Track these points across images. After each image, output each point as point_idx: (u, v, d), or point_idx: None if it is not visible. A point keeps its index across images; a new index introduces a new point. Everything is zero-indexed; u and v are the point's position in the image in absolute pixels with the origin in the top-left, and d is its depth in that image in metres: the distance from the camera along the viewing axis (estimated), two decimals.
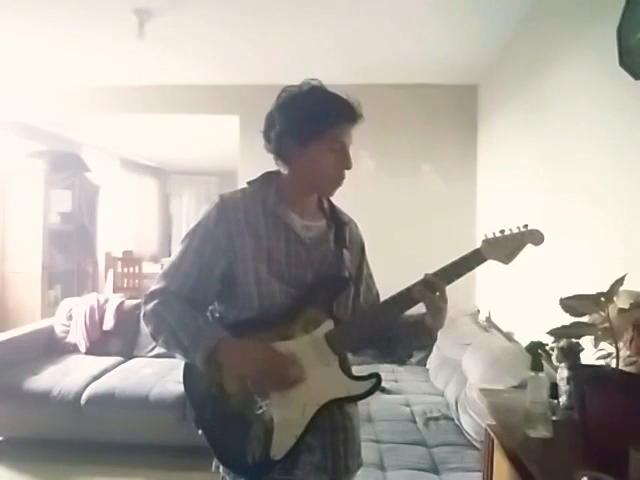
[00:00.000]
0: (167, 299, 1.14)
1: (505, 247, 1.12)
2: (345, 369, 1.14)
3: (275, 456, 1.08)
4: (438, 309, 1.12)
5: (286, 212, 1.18)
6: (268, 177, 1.24)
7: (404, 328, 1.20)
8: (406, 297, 1.13)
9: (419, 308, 1.15)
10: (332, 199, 1.29)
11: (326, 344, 1.12)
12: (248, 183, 1.24)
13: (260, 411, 1.09)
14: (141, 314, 1.17)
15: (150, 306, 1.14)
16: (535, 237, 1.13)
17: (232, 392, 1.12)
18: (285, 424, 1.09)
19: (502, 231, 1.13)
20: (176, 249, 1.19)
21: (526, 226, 1.13)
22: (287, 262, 1.15)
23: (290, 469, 1.11)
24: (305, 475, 1.12)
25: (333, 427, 1.17)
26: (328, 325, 1.13)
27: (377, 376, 1.13)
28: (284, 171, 1.21)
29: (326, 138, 1.14)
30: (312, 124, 1.13)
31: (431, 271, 1.14)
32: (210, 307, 1.23)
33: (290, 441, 1.09)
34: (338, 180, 1.19)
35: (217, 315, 1.22)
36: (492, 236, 1.14)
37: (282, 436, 1.08)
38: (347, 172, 1.19)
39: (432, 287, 1.11)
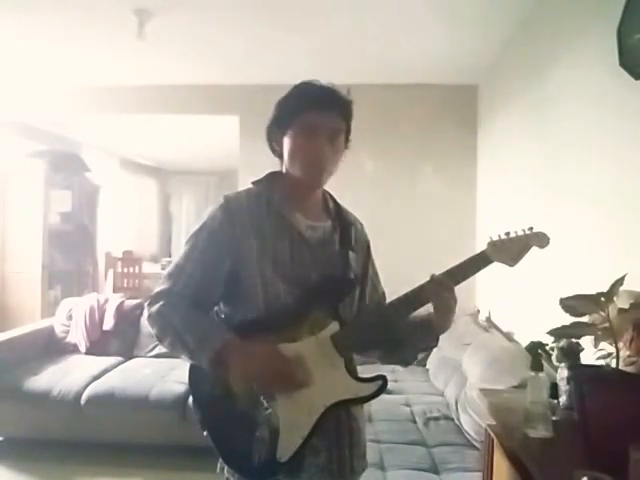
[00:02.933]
0: (172, 301, 1.13)
1: (510, 250, 1.12)
2: (351, 371, 1.14)
3: (281, 458, 1.07)
4: (449, 309, 1.12)
5: (291, 212, 1.18)
6: (272, 177, 1.23)
7: (410, 329, 1.19)
8: (414, 298, 1.12)
9: (424, 309, 1.14)
10: (337, 199, 1.29)
11: (332, 346, 1.12)
12: (253, 183, 1.24)
13: (266, 412, 1.09)
14: (145, 316, 1.16)
15: (155, 308, 1.13)
16: (540, 239, 1.13)
17: (238, 393, 1.11)
18: (291, 426, 1.08)
19: (507, 233, 1.13)
20: (180, 250, 1.18)
21: (531, 228, 1.13)
22: (292, 262, 1.15)
23: (295, 471, 1.11)
24: (310, 477, 1.12)
25: (339, 429, 1.16)
26: (334, 327, 1.13)
27: (383, 378, 1.13)
28: (284, 170, 1.22)
29: (298, 122, 1.15)
30: (286, 110, 1.17)
31: (431, 271, 1.14)
32: (215, 308, 1.22)
33: (296, 443, 1.08)
34: (311, 167, 1.16)
35: (222, 316, 1.21)
36: (497, 238, 1.13)
37: (288, 438, 1.08)
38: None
39: (442, 287, 1.11)
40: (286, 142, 1.17)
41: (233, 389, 1.11)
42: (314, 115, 1.15)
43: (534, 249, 1.13)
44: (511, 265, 1.13)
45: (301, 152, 1.15)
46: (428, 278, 1.13)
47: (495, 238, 1.13)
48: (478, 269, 1.13)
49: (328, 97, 1.16)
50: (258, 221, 1.15)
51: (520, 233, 1.13)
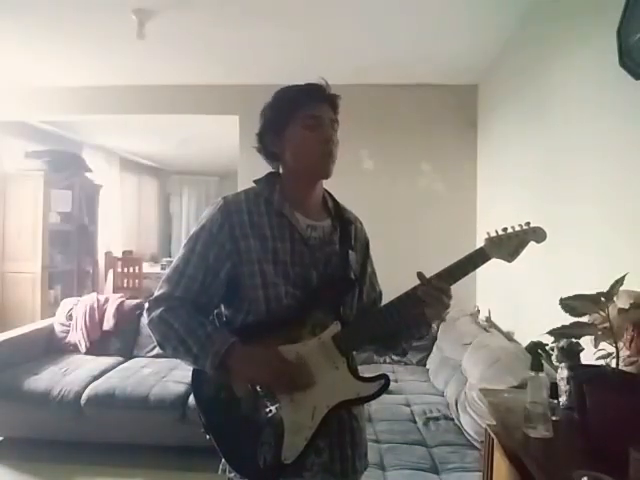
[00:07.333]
0: (173, 305, 1.13)
1: (508, 245, 1.12)
2: (353, 371, 1.14)
3: (286, 459, 1.07)
4: (443, 306, 1.12)
5: (291, 211, 1.18)
6: (272, 177, 1.24)
7: (406, 323, 1.19)
8: (414, 298, 1.11)
9: None
10: (337, 198, 1.29)
11: (334, 346, 1.12)
12: (255, 182, 1.24)
13: (270, 415, 1.09)
14: (146, 321, 1.15)
15: (156, 313, 1.12)
16: (538, 234, 1.12)
17: (242, 397, 1.11)
18: (295, 427, 1.08)
19: (505, 229, 1.13)
20: (179, 252, 1.18)
21: (528, 224, 1.13)
22: (292, 262, 1.15)
23: (299, 471, 1.11)
24: (313, 476, 1.12)
25: (341, 429, 1.16)
26: (335, 327, 1.13)
27: (385, 377, 1.13)
28: (281, 171, 1.23)
29: (298, 117, 1.16)
30: (282, 111, 1.18)
31: (430, 270, 1.14)
32: (216, 310, 1.21)
33: (300, 444, 1.08)
34: (324, 156, 1.17)
35: (224, 319, 1.21)
36: (495, 234, 1.13)
37: (292, 439, 1.08)
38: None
39: (440, 287, 1.10)
40: (290, 138, 1.17)
41: (237, 392, 1.11)
42: (312, 107, 1.17)
43: (533, 249, 1.13)
44: (509, 261, 1.13)
45: (311, 142, 1.16)
46: (428, 276, 1.12)
47: (492, 234, 1.13)
48: (476, 266, 1.12)
49: (319, 90, 1.18)
50: (258, 222, 1.15)
51: (517, 228, 1.13)
